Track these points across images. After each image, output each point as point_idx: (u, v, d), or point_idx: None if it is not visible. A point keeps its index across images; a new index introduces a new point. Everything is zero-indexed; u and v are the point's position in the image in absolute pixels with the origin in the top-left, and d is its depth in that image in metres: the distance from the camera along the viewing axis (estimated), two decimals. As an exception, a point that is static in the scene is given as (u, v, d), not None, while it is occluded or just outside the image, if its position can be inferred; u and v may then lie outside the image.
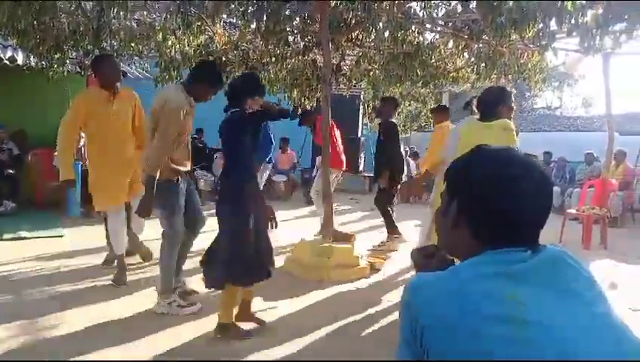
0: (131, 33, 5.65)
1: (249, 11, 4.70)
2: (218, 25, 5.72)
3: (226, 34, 5.92)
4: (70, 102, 4.21)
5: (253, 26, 5.26)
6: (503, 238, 0.91)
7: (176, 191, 3.34)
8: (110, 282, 3.99)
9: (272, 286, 3.52)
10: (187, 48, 5.77)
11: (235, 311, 3.11)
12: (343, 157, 6.27)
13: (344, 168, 6.42)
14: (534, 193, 0.92)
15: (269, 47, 5.83)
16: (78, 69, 6.82)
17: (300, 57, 6.24)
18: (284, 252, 5.05)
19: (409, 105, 9.65)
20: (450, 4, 4.76)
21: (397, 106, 6.49)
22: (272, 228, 3.07)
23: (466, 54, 6.21)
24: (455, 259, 1.08)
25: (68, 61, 6.36)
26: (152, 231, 4.25)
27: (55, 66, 6.14)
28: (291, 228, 5.99)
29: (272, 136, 6.95)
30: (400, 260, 5.03)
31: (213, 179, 8.88)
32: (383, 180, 5.72)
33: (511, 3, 3.66)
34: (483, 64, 5.83)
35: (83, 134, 4.84)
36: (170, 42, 5.62)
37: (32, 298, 3.64)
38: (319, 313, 3.53)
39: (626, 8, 3.35)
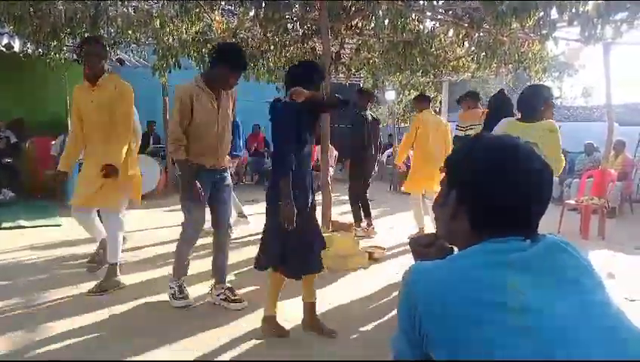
0: (128, 20, 5.59)
1: (247, -2, 4.68)
2: (216, 12, 5.67)
3: (225, 21, 5.86)
4: (68, 90, 4.06)
5: (252, 13, 5.22)
6: (502, 227, 0.91)
7: (193, 181, 3.16)
8: (94, 290, 3.53)
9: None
10: (185, 36, 5.73)
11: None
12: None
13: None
14: (534, 182, 0.92)
15: (268, 34, 5.79)
16: (76, 57, 6.78)
17: (299, 45, 6.20)
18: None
19: (409, 94, 9.59)
20: (450, -8, 4.73)
21: (371, 100, 6.48)
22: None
23: (466, 43, 6.17)
24: (454, 248, 1.07)
25: (65, 48, 6.31)
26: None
27: (52, 54, 6.10)
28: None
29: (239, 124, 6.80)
30: (398, 251, 5.05)
31: None
32: (345, 170, 5.73)
33: (512, -8, 3.64)
34: (483, 53, 5.79)
35: None
36: (167, 29, 5.58)
37: (30, 287, 3.65)
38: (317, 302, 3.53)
39: (627, -2, 3.33)
